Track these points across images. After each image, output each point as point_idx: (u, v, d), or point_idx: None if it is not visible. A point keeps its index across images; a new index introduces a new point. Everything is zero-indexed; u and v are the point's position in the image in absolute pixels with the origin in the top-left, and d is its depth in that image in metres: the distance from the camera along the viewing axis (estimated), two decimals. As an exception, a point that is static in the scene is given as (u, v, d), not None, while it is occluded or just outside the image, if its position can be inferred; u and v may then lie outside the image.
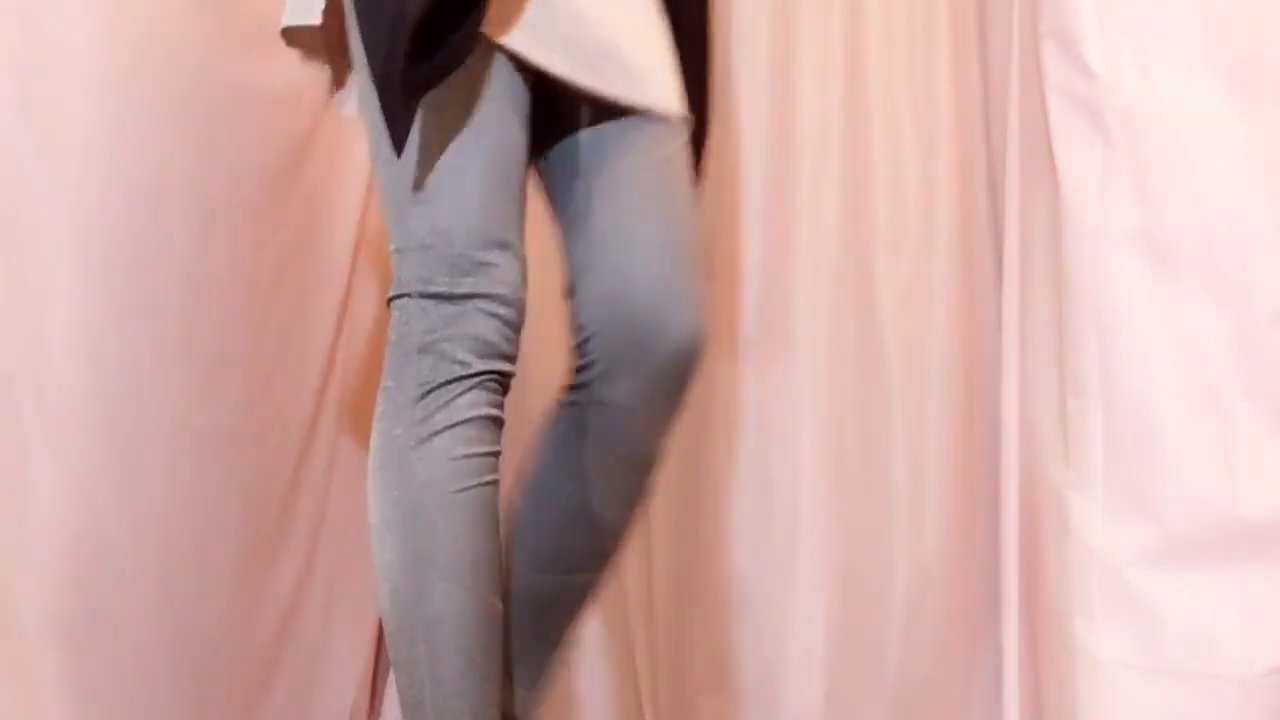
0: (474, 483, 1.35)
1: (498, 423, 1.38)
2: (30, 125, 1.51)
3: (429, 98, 1.31)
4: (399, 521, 1.35)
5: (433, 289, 1.35)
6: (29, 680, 1.51)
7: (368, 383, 2.38)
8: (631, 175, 1.43)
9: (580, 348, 1.42)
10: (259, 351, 1.95)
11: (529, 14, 1.35)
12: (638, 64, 1.39)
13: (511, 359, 1.39)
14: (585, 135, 1.44)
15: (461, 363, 1.34)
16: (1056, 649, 1.77)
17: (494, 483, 1.37)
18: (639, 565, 2.32)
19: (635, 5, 1.43)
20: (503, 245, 1.37)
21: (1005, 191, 2.07)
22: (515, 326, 1.38)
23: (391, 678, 2.36)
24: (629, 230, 1.42)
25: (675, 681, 2.24)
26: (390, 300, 1.38)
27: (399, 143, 1.31)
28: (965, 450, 2.27)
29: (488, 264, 1.35)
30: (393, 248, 1.39)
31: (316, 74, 2.05)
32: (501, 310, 1.36)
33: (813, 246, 2.31)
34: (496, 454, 1.38)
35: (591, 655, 2.29)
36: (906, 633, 2.26)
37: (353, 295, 2.31)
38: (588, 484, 1.42)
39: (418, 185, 1.36)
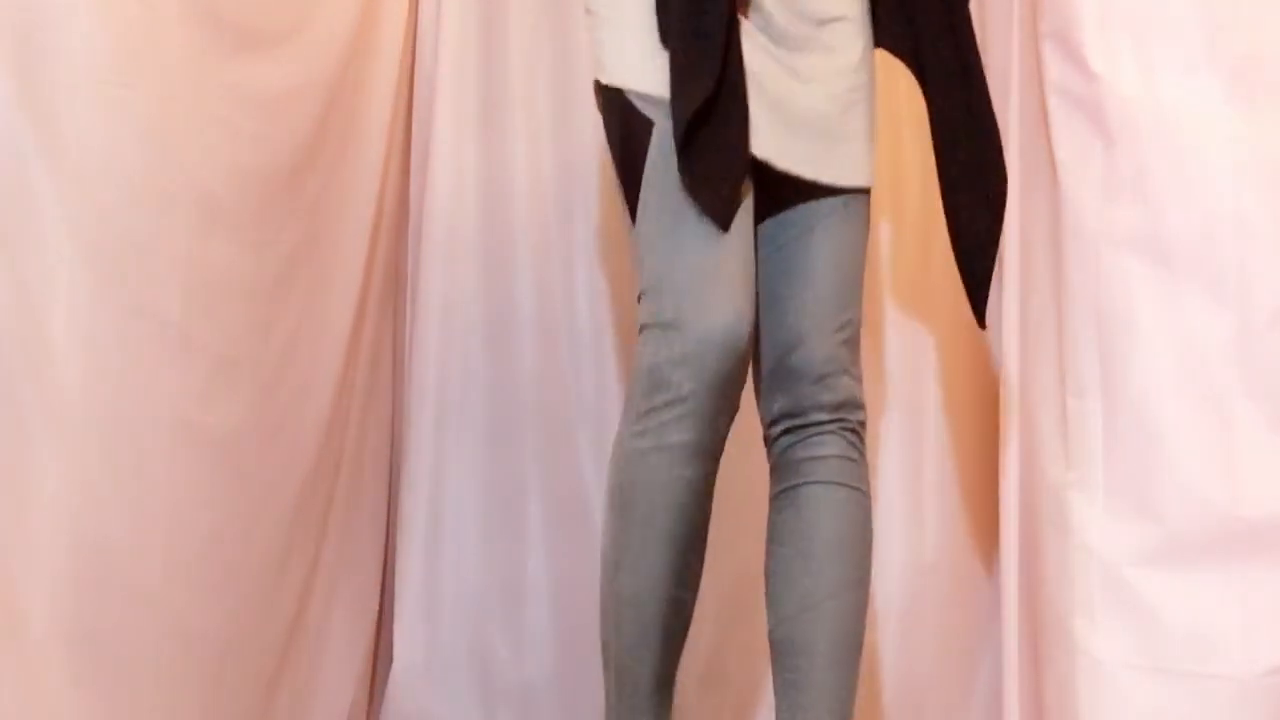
0: (675, 501, 1.57)
1: (711, 455, 1.59)
2: (31, 126, 1.51)
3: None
4: (610, 510, 1.62)
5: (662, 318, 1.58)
6: (35, 680, 1.51)
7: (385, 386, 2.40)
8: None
9: None
10: (264, 354, 1.95)
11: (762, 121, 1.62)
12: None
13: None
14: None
15: (677, 385, 1.56)
16: (1056, 649, 1.77)
17: (697, 504, 1.59)
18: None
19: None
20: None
21: (1005, 191, 2.06)
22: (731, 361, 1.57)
23: (391, 677, 2.36)
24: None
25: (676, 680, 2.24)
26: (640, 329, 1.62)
27: (725, 225, 1.58)
28: (965, 450, 2.27)
29: (742, 313, 1.58)
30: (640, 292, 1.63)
31: (312, 78, 2.06)
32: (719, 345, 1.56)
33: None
34: (706, 477, 1.59)
35: (591, 655, 2.30)
36: (906, 633, 2.26)
37: (371, 299, 2.32)
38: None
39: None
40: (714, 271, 1.57)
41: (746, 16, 1.65)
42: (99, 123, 1.59)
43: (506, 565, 2.36)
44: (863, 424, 1.72)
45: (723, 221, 1.56)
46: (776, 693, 1.67)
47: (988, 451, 2.19)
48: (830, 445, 1.68)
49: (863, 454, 1.71)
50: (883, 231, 2.31)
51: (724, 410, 1.60)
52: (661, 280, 1.58)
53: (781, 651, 1.65)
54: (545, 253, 2.39)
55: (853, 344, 1.74)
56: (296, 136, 2.02)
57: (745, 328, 1.58)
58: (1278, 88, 1.68)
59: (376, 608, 2.37)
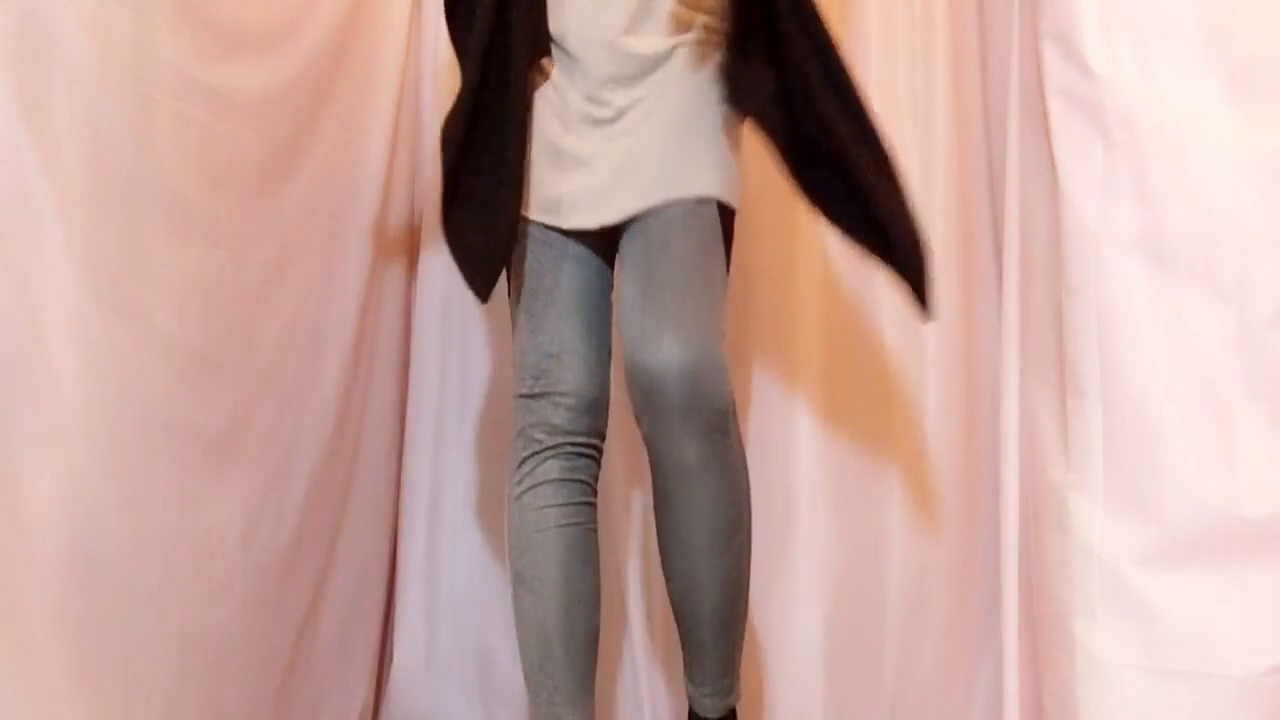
0: (549, 526, 1.82)
1: (576, 482, 1.85)
2: (26, 128, 1.51)
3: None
4: (509, 553, 1.86)
5: (521, 391, 1.85)
6: (36, 679, 1.51)
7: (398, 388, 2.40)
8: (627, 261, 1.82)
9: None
10: (251, 355, 1.95)
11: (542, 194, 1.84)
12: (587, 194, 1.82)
13: (582, 434, 1.85)
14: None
15: (537, 440, 1.84)
16: (1056, 649, 1.77)
17: (572, 524, 1.84)
18: (639, 566, 2.32)
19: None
20: (565, 353, 1.83)
21: (1005, 191, 2.06)
22: (581, 410, 1.84)
23: (391, 677, 2.36)
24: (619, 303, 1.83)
25: (675, 681, 2.24)
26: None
27: (483, 299, 1.81)
28: (965, 450, 2.28)
29: (549, 370, 1.83)
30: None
31: (297, 80, 2.06)
32: (566, 400, 1.83)
33: (813, 246, 2.31)
34: (576, 504, 1.84)
35: (591, 655, 2.30)
36: (906, 633, 2.26)
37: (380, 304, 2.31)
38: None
39: (513, 323, 1.90)
40: (559, 345, 1.82)
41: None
42: (89, 128, 1.59)
43: (506, 565, 2.36)
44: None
45: (481, 295, 1.80)
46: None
47: (987, 451, 2.19)
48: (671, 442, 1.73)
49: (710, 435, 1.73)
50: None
51: (583, 453, 1.86)
52: (521, 357, 1.85)
53: (674, 614, 1.83)
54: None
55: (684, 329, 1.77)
56: (277, 139, 2.02)
57: (591, 389, 1.84)
58: (1278, 88, 1.68)
59: (382, 609, 2.37)
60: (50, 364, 1.54)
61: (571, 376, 1.83)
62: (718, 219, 1.80)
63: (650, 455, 1.75)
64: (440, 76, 2.41)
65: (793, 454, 2.30)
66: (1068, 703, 1.73)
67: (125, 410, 1.65)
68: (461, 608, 2.37)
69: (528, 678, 1.84)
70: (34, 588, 1.52)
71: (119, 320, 1.64)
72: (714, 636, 1.81)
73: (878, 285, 2.29)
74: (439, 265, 2.39)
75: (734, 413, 1.77)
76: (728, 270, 1.84)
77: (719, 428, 1.72)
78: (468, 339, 2.41)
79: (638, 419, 1.75)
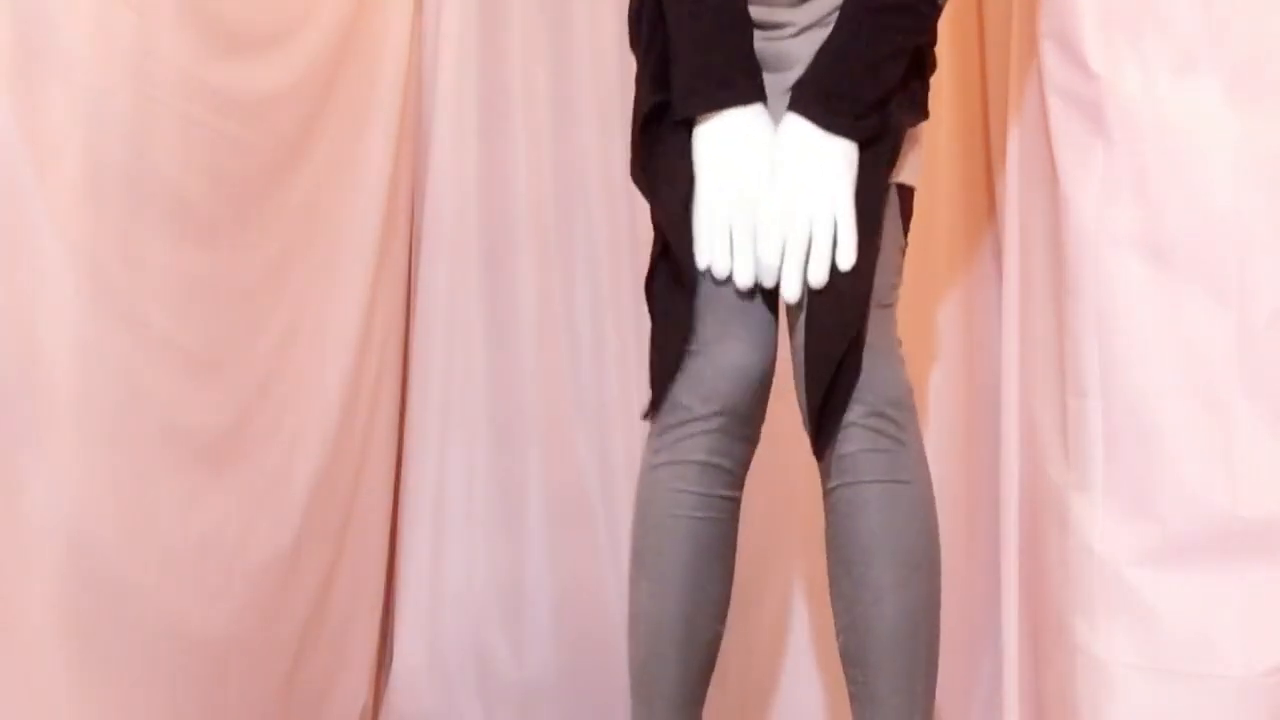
0: (684, 513, 1.62)
1: (722, 470, 1.63)
2: (24, 128, 1.51)
3: None
4: (633, 525, 1.67)
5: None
6: (36, 679, 1.51)
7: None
8: None
9: None
10: (251, 356, 1.95)
11: None
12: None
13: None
14: None
15: (687, 408, 1.61)
16: (1056, 649, 1.77)
17: (711, 519, 1.63)
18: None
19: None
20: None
21: (1005, 191, 2.06)
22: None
23: (391, 677, 2.36)
24: None
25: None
26: None
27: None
28: (965, 450, 2.27)
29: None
30: None
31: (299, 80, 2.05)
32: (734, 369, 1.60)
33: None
34: (719, 496, 1.63)
35: (591, 655, 2.29)
36: (906, 633, 2.26)
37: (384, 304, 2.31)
38: None
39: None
40: (734, 303, 1.61)
41: None
42: (88, 127, 1.59)
43: (506, 565, 2.36)
44: (895, 405, 1.64)
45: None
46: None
47: (988, 451, 2.19)
48: (853, 441, 1.63)
49: (899, 439, 1.64)
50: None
51: (738, 436, 1.64)
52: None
53: (844, 663, 1.63)
54: (545, 253, 2.39)
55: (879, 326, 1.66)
56: (278, 139, 2.02)
57: (760, 360, 1.62)
58: (1278, 88, 1.68)
59: (382, 609, 2.37)
60: (49, 364, 1.54)
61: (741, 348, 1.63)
62: None
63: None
64: (441, 76, 2.41)
65: (793, 453, 2.30)
66: (1068, 703, 1.73)
67: (124, 411, 1.65)
68: (461, 608, 2.36)
69: (632, 670, 1.65)
70: (34, 588, 1.52)
71: (118, 320, 1.64)
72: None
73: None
74: (439, 265, 2.39)
75: None
76: None
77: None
78: (469, 338, 2.41)
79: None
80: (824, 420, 1.62)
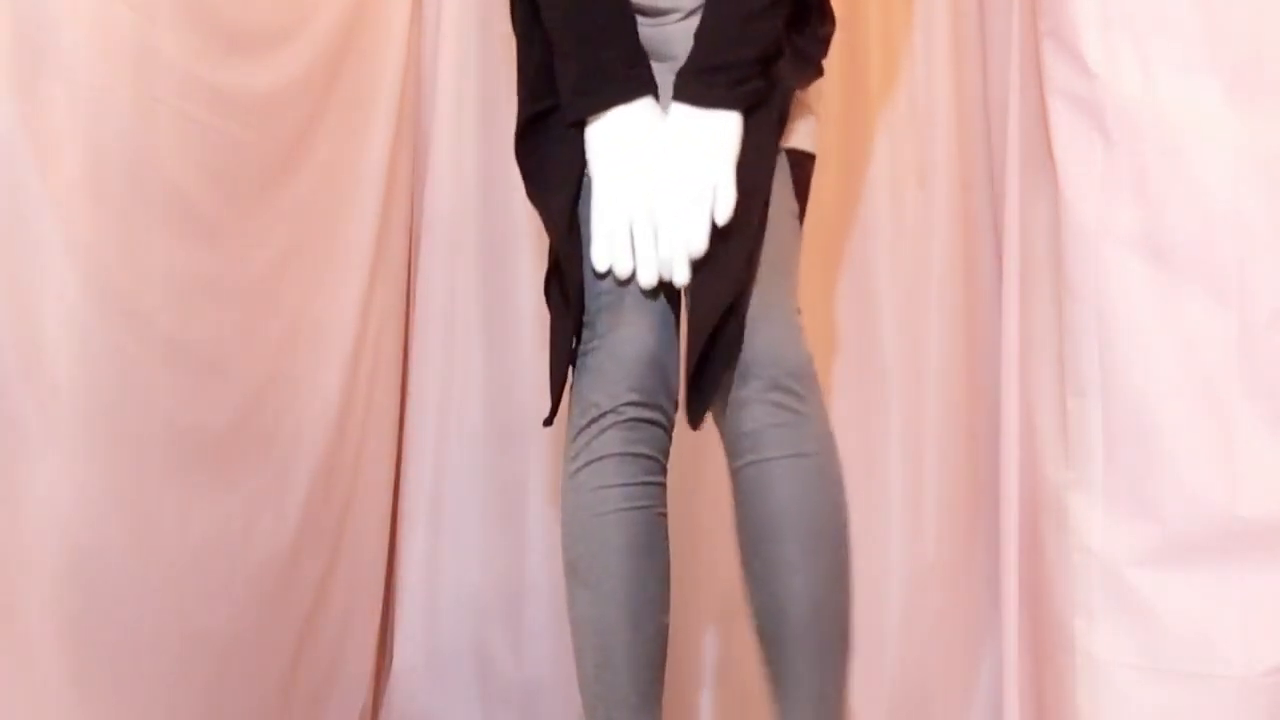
0: (610, 509, 1.58)
1: (640, 457, 1.60)
2: (24, 129, 1.51)
3: None
4: (562, 540, 1.62)
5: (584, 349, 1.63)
6: (36, 679, 1.51)
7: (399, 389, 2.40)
8: None
9: None
10: (252, 356, 1.95)
11: None
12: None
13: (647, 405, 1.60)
14: None
15: (595, 404, 1.60)
16: (1056, 649, 1.77)
17: (637, 508, 1.59)
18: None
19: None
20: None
21: (1005, 191, 2.06)
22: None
23: (391, 677, 2.36)
24: None
25: (675, 681, 2.24)
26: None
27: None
28: (965, 450, 2.27)
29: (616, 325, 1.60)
30: None
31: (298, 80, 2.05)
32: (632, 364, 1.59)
33: (812, 246, 2.31)
34: (641, 484, 1.60)
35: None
36: (906, 633, 2.26)
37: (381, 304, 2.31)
38: None
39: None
40: (630, 298, 1.61)
41: None
42: (89, 127, 1.59)
43: (506, 565, 2.36)
44: (795, 376, 1.60)
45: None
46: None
47: (987, 451, 2.19)
48: (754, 418, 1.59)
49: (799, 411, 1.58)
50: (882, 231, 2.31)
51: (651, 421, 1.61)
52: (588, 315, 1.65)
53: (760, 645, 1.61)
54: (544, 252, 2.38)
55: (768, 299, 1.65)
56: (278, 138, 2.02)
57: (656, 341, 1.60)
58: (1278, 88, 1.68)
59: (382, 609, 2.37)
60: (49, 364, 1.54)
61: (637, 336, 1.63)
62: None
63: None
64: (441, 76, 2.41)
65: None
66: (1067, 702, 1.73)
67: (125, 410, 1.65)
68: (461, 608, 2.36)
69: (583, 687, 1.59)
70: (33, 588, 1.52)
71: (118, 320, 1.64)
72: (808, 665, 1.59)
73: (878, 284, 2.29)
74: (438, 264, 2.39)
75: None
76: None
77: None
78: (468, 338, 2.41)
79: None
80: (701, 385, 1.60)
